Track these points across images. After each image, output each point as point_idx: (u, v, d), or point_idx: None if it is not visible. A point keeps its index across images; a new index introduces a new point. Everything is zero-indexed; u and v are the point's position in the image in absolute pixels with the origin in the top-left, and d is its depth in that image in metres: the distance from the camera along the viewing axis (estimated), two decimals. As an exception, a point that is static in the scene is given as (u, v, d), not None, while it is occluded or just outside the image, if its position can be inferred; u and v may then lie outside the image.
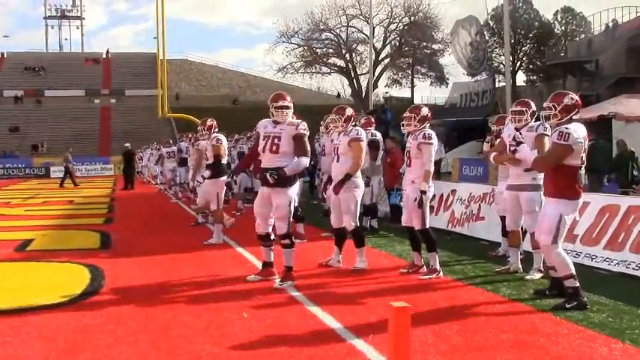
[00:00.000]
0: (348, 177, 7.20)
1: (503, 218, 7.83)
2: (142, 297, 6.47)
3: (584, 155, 5.69)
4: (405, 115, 7.34)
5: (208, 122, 10.57)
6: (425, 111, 7.30)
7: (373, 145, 10.03)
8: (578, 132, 5.59)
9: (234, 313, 5.70)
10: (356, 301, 6.10)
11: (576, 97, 5.83)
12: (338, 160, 7.43)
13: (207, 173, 9.58)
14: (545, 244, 5.74)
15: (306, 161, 6.74)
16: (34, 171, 43.36)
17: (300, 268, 7.38)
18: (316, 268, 7.75)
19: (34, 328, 5.41)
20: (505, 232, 7.85)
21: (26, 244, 10.49)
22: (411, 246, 7.50)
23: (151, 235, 11.20)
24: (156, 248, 9.53)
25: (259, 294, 6.42)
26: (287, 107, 6.78)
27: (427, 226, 7.15)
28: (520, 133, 6.43)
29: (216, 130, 10.40)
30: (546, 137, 6.56)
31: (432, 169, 7.09)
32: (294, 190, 6.90)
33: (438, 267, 7.07)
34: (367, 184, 9.41)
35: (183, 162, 17.13)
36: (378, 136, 10.71)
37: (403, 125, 7.32)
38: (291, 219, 9.66)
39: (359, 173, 7.41)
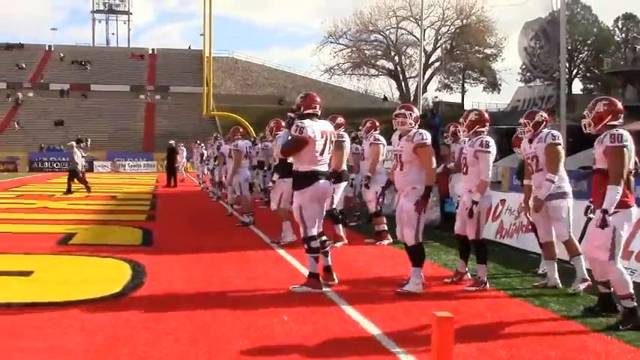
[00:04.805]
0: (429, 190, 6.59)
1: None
2: (183, 295, 6.48)
3: (634, 160, 5.50)
4: (460, 120, 7.23)
5: (271, 123, 10.52)
6: (474, 115, 7.13)
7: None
8: (626, 134, 5.45)
9: (275, 316, 5.64)
10: (398, 309, 5.98)
11: (609, 103, 5.67)
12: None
13: (275, 176, 9.52)
14: (602, 260, 5.48)
15: None
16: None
17: (344, 274, 7.29)
18: (359, 274, 7.64)
19: (75, 321, 5.45)
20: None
21: (69, 237, 10.61)
22: (459, 254, 7.34)
23: (193, 234, 11.24)
24: (197, 247, 9.54)
25: (300, 298, 6.35)
26: None
27: (481, 237, 6.96)
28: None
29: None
30: (558, 146, 6.72)
31: (489, 179, 6.86)
32: (303, 195, 6.64)
33: (485, 279, 6.88)
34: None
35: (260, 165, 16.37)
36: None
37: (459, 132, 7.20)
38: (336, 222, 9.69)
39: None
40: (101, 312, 5.78)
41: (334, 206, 9.59)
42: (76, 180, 20.98)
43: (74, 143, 22.21)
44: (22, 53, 71.66)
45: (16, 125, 54.38)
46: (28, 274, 7.51)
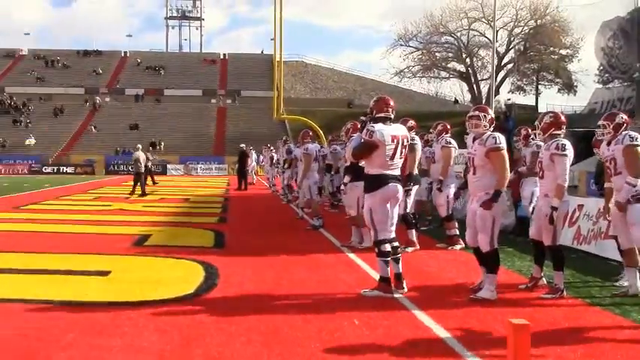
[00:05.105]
0: (498, 194, 6.44)
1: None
2: (255, 297, 6.54)
3: None
4: (535, 123, 7.06)
5: (348, 125, 10.59)
6: (549, 118, 6.92)
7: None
8: None
9: (346, 320, 5.62)
10: (471, 315, 5.87)
11: None
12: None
13: (347, 178, 9.48)
14: None
15: None
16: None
17: (415, 278, 7.23)
18: (431, 279, 7.56)
19: (150, 321, 5.57)
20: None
21: (144, 239, 10.89)
22: (534, 259, 7.15)
23: (264, 237, 11.33)
24: (268, 249, 9.63)
25: (371, 302, 6.31)
26: None
27: (557, 243, 6.75)
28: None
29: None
30: (637, 147, 6.47)
31: (566, 183, 6.63)
32: (373, 198, 6.59)
33: (562, 286, 6.66)
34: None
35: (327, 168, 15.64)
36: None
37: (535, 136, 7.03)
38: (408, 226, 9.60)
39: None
40: (175, 312, 5.89)
41: (407, 210, 9.52)
42: (139, 181, 21.72)
43: (139, 146, 22.87)
44: (99, 59, 74.21)
45: (93, 129, 56.26)
46: (105, 274, 7.74)
